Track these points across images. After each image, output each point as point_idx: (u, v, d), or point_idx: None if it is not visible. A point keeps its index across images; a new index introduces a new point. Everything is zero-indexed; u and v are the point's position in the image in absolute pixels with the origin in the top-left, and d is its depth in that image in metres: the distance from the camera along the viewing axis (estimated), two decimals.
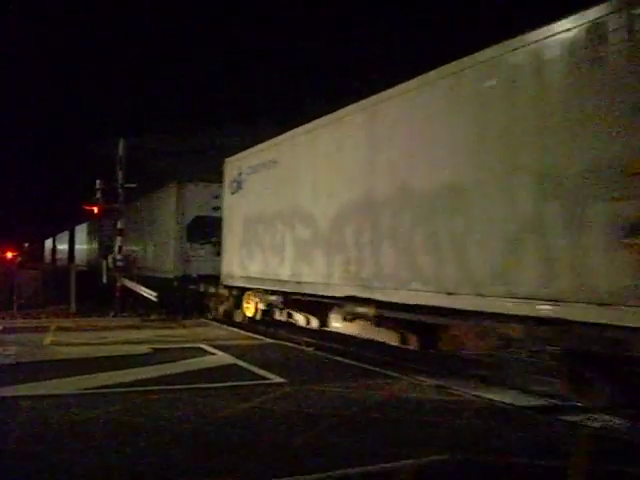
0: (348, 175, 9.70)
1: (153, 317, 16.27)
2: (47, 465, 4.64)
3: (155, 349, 10.37)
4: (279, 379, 7.80)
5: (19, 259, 39.93)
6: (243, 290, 13.83)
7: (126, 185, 18.40)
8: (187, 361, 9.16)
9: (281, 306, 12.17)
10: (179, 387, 7.32)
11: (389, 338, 9.24)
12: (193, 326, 14.56)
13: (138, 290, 18.03)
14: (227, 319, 14.94)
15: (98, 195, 18.79)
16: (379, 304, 8.78)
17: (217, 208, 16.36)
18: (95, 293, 20.52)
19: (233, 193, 14.28)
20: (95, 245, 30.20)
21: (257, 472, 4.51)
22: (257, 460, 4.75)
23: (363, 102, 9.49)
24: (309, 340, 12.06)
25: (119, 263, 17.95)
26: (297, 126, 11.93)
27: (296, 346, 11.22)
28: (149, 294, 17.49)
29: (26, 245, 62.23)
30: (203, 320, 15.91)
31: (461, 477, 4.57)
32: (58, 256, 42.47)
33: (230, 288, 14.52)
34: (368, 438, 5.31)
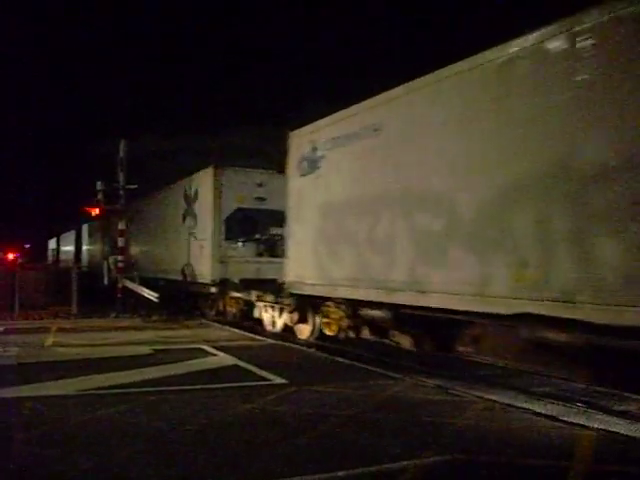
0: (523, 135, 6.98)
1: (155, 318, 16.26)
2: (46, 467, 4.65)
3: (156, 350, 10.37)
4: (280, 380, 7.80)
5: (20, 260, 39.94)
6: (320, 300, 11.12)
7: (127, 186, 18.39)
8: (188, 362, 9.17)
9: (389, 323, 9.41)
10: (180, 388, 7.33)
11: (589, 376, 6.88)
12: (194, 327, 14.56)
13: (139, 291, 18.04)
14: (288, 335, 12.37)
15: (99, 196, 18.79)
16: (583, 327, 6.18)
17: (261, 199, 14.65)
18: (96, 294, 20.54)
19: (304, 175, 11.35)
20: (96, 246, 30.24)
21: (259, 473, 4.52)
22: (259, 461, 4.75)
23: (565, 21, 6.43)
24: (310, 341, 12.06)
25: (120, 264, 17.99)
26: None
27: (297, 347, 11.23)
28: (150, 295, 17.49)
29: (27, 246, 62.28)
30: (204, 321, 15.93)
31: (462, 478, 4.58)
32: (62, 257, 42.26)
33: (300, 297, 11.68)
34: (370, 439, 5.32)
